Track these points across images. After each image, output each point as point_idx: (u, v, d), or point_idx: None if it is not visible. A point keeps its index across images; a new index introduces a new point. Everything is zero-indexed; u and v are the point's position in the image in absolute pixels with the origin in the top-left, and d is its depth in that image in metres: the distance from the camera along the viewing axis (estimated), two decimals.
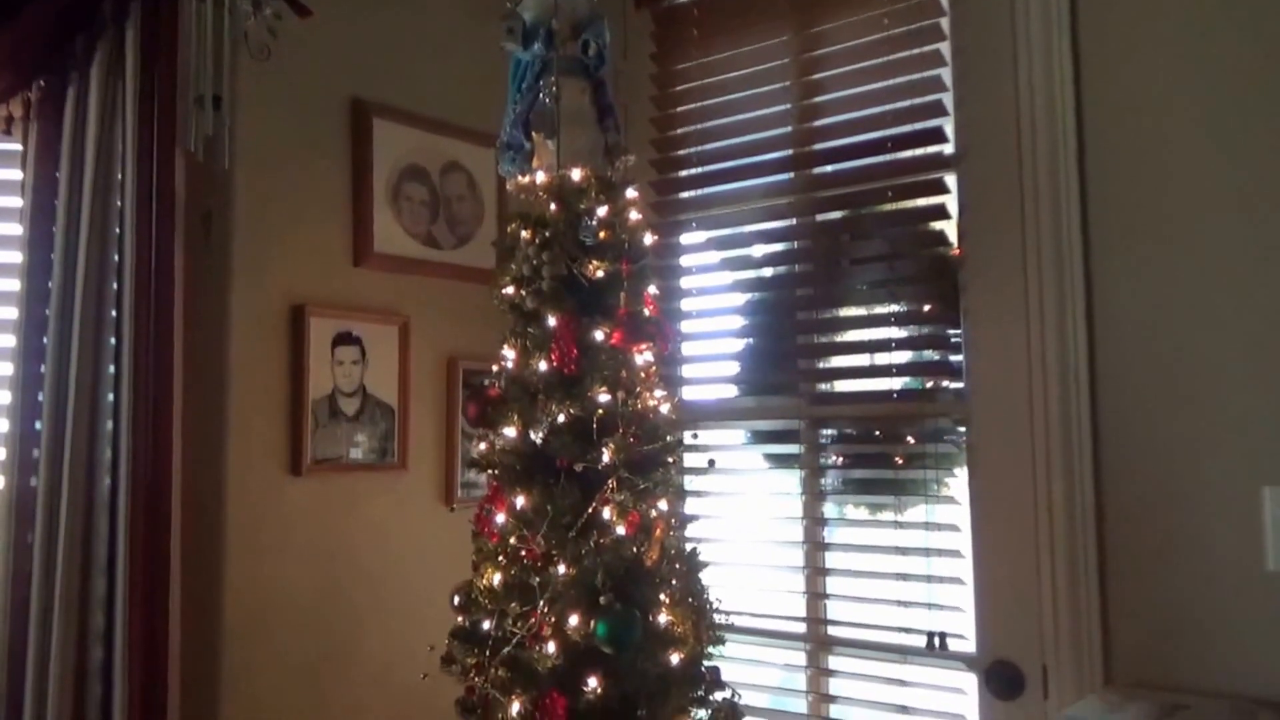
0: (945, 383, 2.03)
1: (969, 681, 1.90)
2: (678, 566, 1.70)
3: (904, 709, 1.96)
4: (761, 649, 2.19)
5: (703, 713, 1.70)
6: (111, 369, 1.89)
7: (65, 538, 1.80)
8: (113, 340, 1.89)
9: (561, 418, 1.67)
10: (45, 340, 1.87)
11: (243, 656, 2.02)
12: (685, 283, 2.41)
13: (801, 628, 2.15)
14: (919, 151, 2.07)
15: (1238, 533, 1.62)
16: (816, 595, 2.14)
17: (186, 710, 1.90)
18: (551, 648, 1.58)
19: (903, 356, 2.08)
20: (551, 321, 1.70)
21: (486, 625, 1.68)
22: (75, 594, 1.80)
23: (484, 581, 1.69)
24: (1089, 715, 1.47)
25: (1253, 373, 1.64)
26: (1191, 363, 1.70)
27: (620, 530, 1.62)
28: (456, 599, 1.75)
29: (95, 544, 1.84)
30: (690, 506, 1.99)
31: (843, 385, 2.26)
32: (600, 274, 1.71)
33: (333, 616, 2.16)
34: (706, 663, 1.71)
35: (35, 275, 1.87)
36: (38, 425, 1.86)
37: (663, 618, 1.63)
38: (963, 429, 1.97)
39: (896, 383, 2.08)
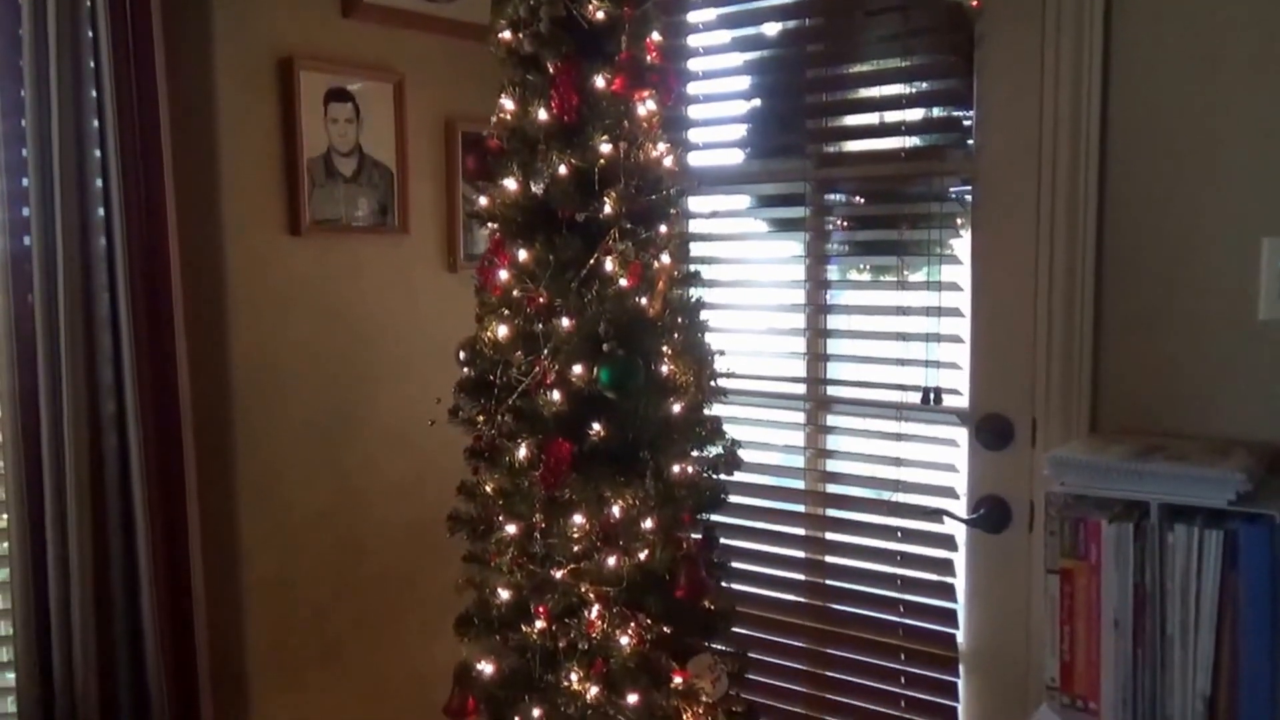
0: (954, 140, 1.97)
1: (961, 435, 1.96)
2: (680, 319, 1.71)
3: (898, 461, 2.04)
4: (762, 410, 2.25)
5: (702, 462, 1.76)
6: (95, 122, 1.83)
7: (65, 294, 1.80)
8: (94, 92, 1.82)
9: (562, 168, 1.63)
10: (23, 94, 1.79)
11: (255, 414, 2.07)
12: (692, 41, 2.29)
13: (802, 389, 2.19)
14: None
15: (1234, 284, 1.62)
16: (817, 356, 2.17)
17: (203, 458, 1.97)
18: (556, 395, 1.61)
19: (914, 115, 2.01)
20: (550, 67, 1.63)
21: (491, 377, 1.71)
22: (80, 349, 1.82)
23: (488, 334, 1.71)
24: (1072, 455, 1.52)
25: (1260, 124, 1.58)
26: (1201, 114, 1.63)
27: (623, 281, 1.61)
28: (462, 353, 1.78)
29: (96, 300, 1.84)
30: (693, 266, 1.98)
31: (851, 147, 2.19)
32: (600, 15, 1.62)
33: (341, 375, 2.21)
34: (707, 411, 1.75)
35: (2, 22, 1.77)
36: (25, 182, 1.82)
37: (664, 367, 1.66)
38: (969, 187, 1.93)
39: (906, 141, 2.02)
